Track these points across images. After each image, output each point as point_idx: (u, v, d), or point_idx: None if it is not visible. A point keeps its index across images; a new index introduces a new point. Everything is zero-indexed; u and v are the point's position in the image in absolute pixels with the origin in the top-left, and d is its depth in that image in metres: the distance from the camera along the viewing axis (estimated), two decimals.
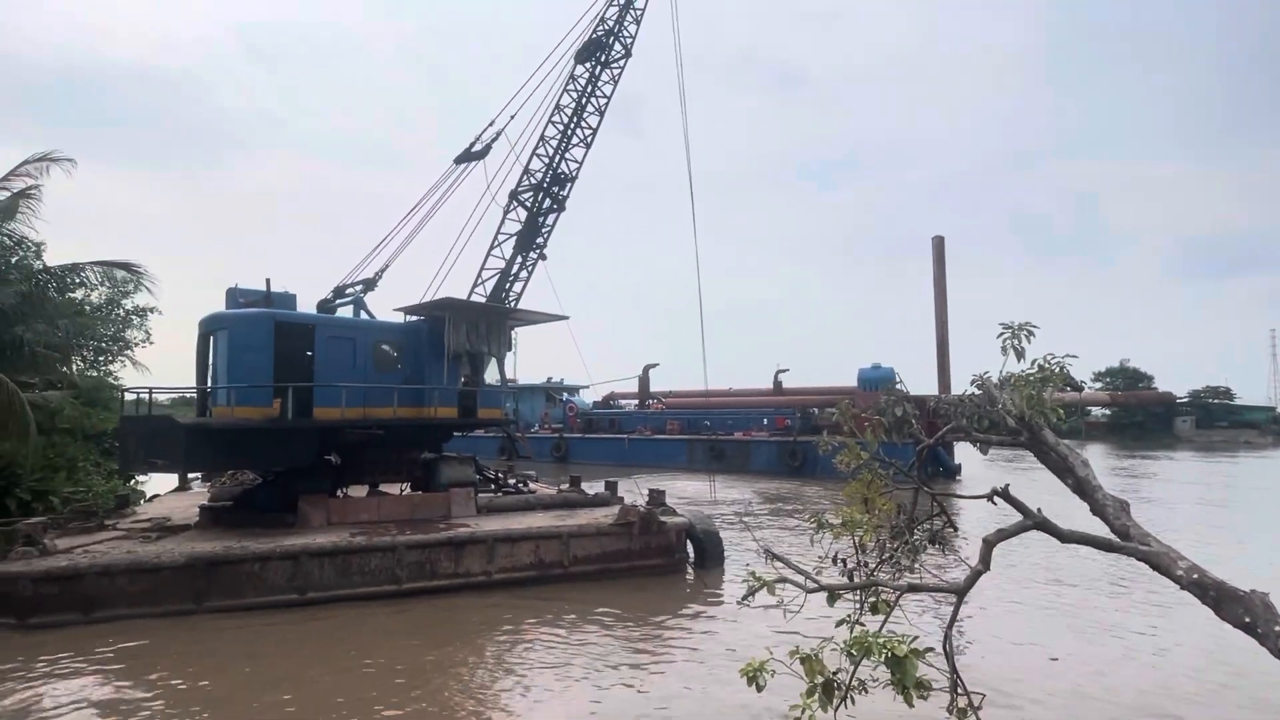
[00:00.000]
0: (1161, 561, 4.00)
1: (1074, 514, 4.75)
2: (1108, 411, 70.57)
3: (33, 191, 15.05)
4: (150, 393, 12.80)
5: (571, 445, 39.98)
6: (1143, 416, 68.19)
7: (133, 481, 17.70)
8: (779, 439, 34.01)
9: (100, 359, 22.88)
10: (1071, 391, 4.69)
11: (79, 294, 19.83)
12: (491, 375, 15.49)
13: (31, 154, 15.56)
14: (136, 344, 23.78)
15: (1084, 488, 4.51)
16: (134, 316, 23.98)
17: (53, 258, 21.15)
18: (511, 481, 16.61)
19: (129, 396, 13.29)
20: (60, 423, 17.02)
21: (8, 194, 15.20)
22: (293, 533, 11.91)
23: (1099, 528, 4.43)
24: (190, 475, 18.87)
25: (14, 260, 17.60)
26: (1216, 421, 69.10)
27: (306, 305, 14.51)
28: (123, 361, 23.13)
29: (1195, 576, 3.88)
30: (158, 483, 18.76)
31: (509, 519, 13.41)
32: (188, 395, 13.00)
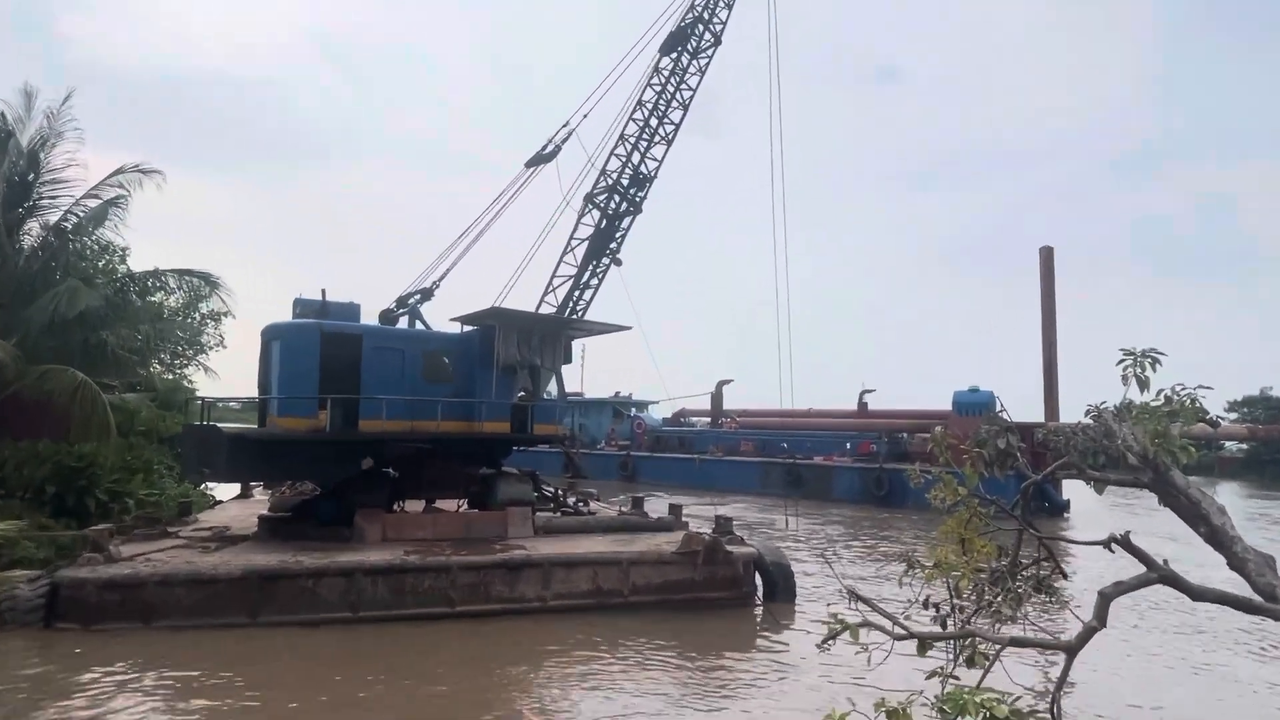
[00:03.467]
0: None
1: (1206, 562, 4.50)
2: (1243, 446, 65.59)
3: (120, 200, 15.92)
4: (203, 401, 13.45)
5: (638, 464, 40.39)
6: None
7: (203, 487, 18.34)
8: (863, 465, 33.56)
9: (176, 362, 24.10)
10: (1205, 426, 4.44)
11: (158, 297, 20.72)
12: (550, 388, 15.71)
13: (125, 163, 16.49)
14: (211, 348, 24.99)
15: (1220, 538, 4.25)
16: (209, 321, 25.15)
17: (136, 263, 22.18)
18: (571, 500, 16.75)
19: (196, 403, 14.01)
20: (138, 425, 17.72)
21: (98, 201, 16.06)
22: (348, 548, 12.27)
23: (1238, 584, 4.21)
24: (252, 483, 19.62)
25: (101, 264, 19.02)
26: None
27: (371, 316, 14.96)
28: (196, 365, 24.36)
29: None
30: (223, 489, 19.20)
31: (567, 541, 13.52)
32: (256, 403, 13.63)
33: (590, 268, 17.85)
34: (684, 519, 15.83)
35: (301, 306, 13.87)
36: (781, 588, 13.34)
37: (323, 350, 12.83)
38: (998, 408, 5.64)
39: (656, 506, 18.04)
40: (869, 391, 42.17)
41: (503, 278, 18.06)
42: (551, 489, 16.95)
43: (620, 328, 16.11)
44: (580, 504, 16.68)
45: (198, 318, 25.13)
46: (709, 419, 48.66)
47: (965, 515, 4.79)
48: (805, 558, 17.42)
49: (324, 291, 13.88)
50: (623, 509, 16.85)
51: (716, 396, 46.98)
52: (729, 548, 13.04)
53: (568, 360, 15.92)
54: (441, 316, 17.47)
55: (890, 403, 41.62)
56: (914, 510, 27.68)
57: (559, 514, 15.75)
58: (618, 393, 50.53)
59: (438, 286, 16.78)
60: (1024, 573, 4.82)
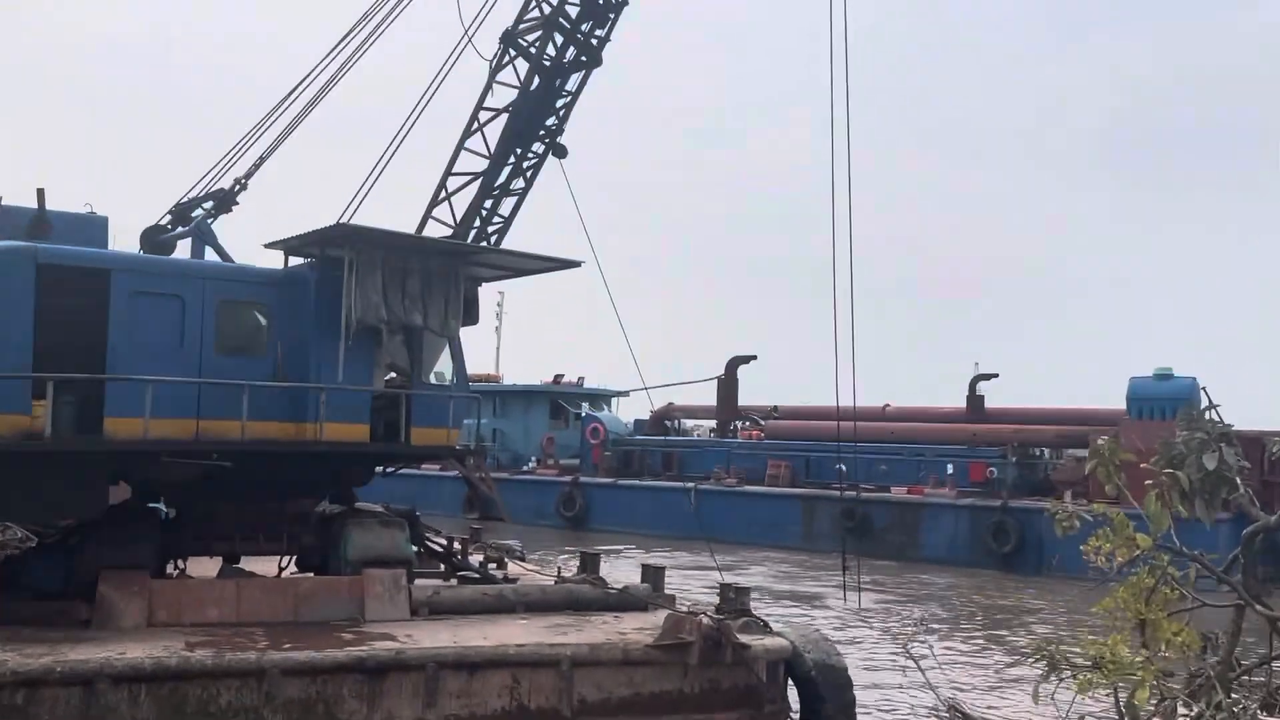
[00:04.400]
0: None
1: None
2: None
3: None
4: None
5: (593, 497, 40.78)
6: None
7: None
8: (975, 502, 34.04)
9: None
10: None
11: None
12: (439, 367, 15.86)
13: None
14: None
15: None
16: None
17: None
18: (478, 560, 16.92)
19: None
20: None
21: None
22: (86, 637, 12.14)
23: None
24: None
25: None
26: None
27: (127, 237, 14.96)
28: None
29: None
30: None
31: (468, 627, 13.60)
32: None
33: (512, 161, 17.97)
34: (668, 590, 15.96)
35: (3, 218, 13.74)
36: (832, 705, 13.51)
37: (39, 295, 12.72)
38: (1202, 404, 5.73)
39: (623, 569, 18.82)
40: (986, 379, 42.86)
41: (358, 174, 17.92)
42: (443, 541, 17.09)
43: (564, 264, 16.26)
44: (494, 565, 16.77)
45: None
46: (714, 422, 49.25)
47: (1147, 582, 4.95)
48: (874, 654, 17.59)
49: (41, 193, 13.74)
50: (566, 573, 17.01)
51: (727, 385, 47.37)
52: (743, 638, 13.14)
53: (472, 320, 15.92)
54: (250, 241, 17.71)
55: (1020, 397, 42.44)
56: (1058, 576, 27.86)
57: (455, 582, 15.90)
58: (560, 377, 50.82)
59: (243, 188, 16.71)
60: (1246, 678, 4.99)
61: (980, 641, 19.84)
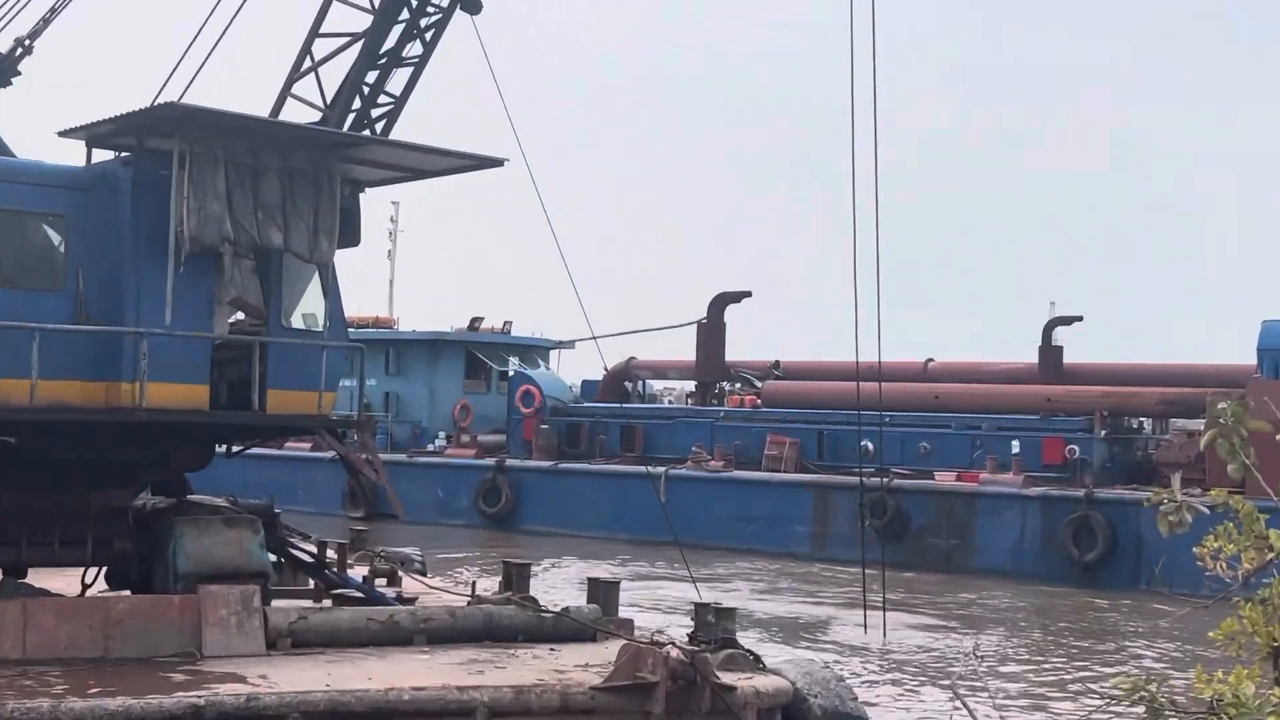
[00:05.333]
0: None
1: None
2: None
3: None
4: None
5: (525, 488, 40.66)
6: None
7: None
8: (1050, 492, 34.13)
9: None
10: None
11: None
12: (307, 305, 15.76)
13: None
14: None
15: None
16: None
17: None
18: (360, 573, 16.93)
19: None
20: None
21: None
22: None
23: None
24: None
25: None
26: None
27: None
28: None
29: None
30: None
31: (346, 665, 13.57)
32: None
33: (405, 17, 17.73)
34: (624, 613, 16.01)
35: None
36: None
37: None
38: None
39: (563, 585, 19.23)
40: (1064, 324, 43.10)
41: (181, 37, 17.54)
42: (313, 548, 17.12)
43: (481, 162, 16.41)
44: (383, 581, 16.80)
45: None
46: (691, 384, 49.05)
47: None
48: (906, 700, 17.47)
49: None
50: (484, 590, 16.98)
51: (711, 334, 46.78)
52: (726, 677, 13.16)
53: (352, 241, 16.01)
54: (39, 128, 17.38)
55: (1110, 350, 42.71)
56: (1162, 590, 27.69)
57: (330, 603, 15.92)
58: (478, 322, 50.45)
59: (27, 52, 16.65)
60: None
61: (1054, 680, 19.55)
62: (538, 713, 12.75)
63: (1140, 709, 5.08)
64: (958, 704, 16.61)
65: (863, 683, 16.36)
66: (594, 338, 37.49)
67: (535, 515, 40.72)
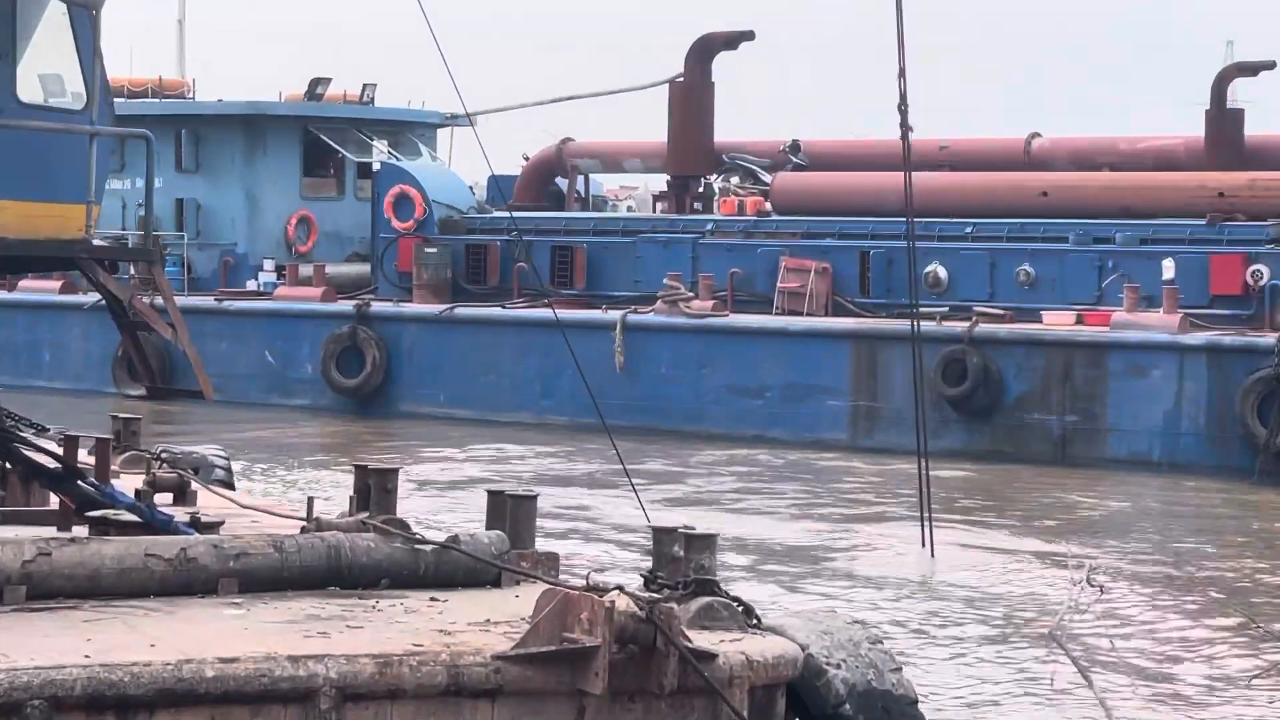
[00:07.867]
0: None
1: None
2: None
3: None
4: None
5: (400, 346, 35.16)
6: None
7: None
8: (1219, 337, 28.54)
9: None
10: None
11: None
12: (49, 63, 13.50)
13: None
14: None
15: None
16: None
17: None
18: (133, 485, 15.27)
19: None
20: None
21: None
22: None
23: None
24: None
25: None
26: None
27: None
28: None
29: None
30: None
31: (111, 625, 10.09)
32: None
33: None
34: (544, 544, 13.37)
35: None
36: None
37: None
38: None
39: (451, 501, 18.90)
40: (1249, 74, 38.66)
41: None
42: (54, 445, 15.26)
43: None
44: (172, 496, 15.10)
45: None
46: (660, 181, 41.53)
47: None
48: (976, 657, 15.25)
49: None
50: (327, 512, 14.05)
51: (689, 95, 38.36)
52: (697, 637, 10.32)
53: None
54: None
55: None
56: None
57: (86, 531, 12.93)
58: (321, 85, 40.56)
59: None
60: None
61: (1220, 628, 16.70)
62: (412, 694, 9.13)
63: None
64: (1059, 657, 13.38)
65: (914, 641, 14.30)
66: (507, 108, 30.86)
67: (416, 390, 34.75)
